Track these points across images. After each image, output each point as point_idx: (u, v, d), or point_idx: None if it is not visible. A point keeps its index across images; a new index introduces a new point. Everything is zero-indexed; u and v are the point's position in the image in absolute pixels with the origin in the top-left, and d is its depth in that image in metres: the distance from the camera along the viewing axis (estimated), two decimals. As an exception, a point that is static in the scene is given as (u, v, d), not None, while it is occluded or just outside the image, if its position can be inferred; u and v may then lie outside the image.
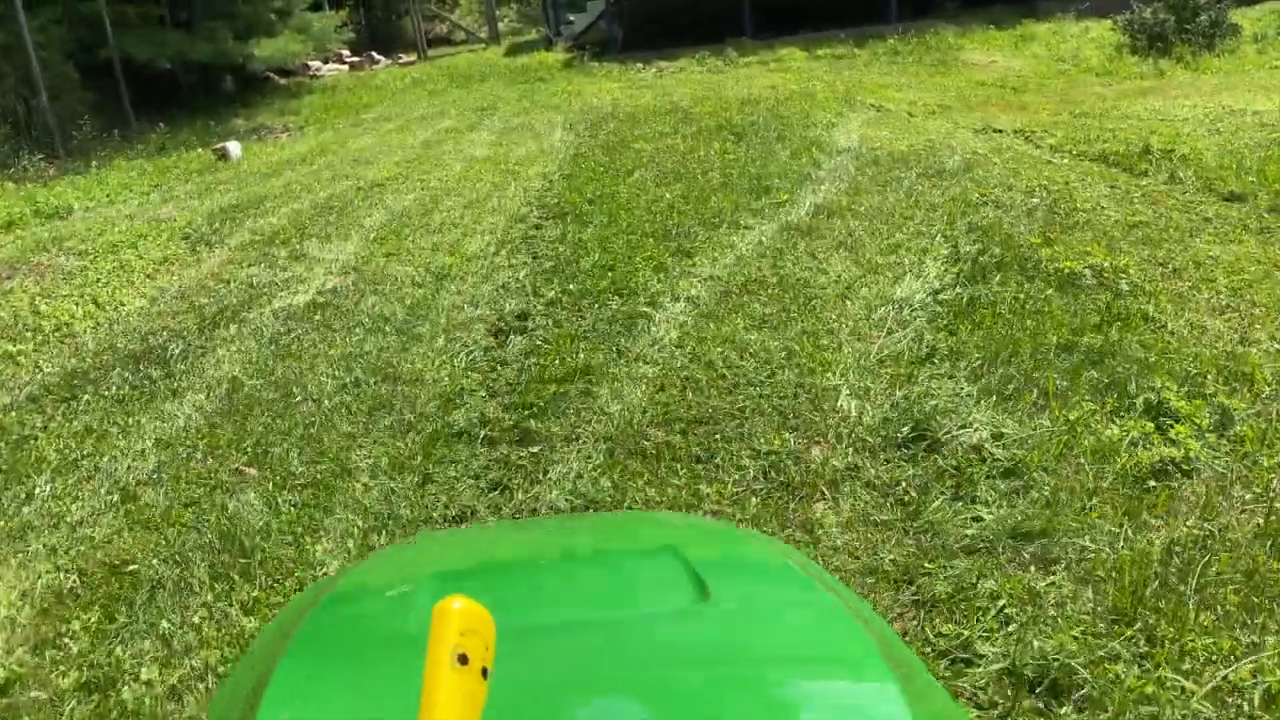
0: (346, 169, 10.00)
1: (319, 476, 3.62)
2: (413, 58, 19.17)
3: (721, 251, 6.11)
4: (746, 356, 4.54)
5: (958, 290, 5.09)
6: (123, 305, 5.86)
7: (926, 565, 2.90)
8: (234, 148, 11.30)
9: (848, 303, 5.15)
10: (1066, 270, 5.18)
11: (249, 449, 3.84)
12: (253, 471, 3.63)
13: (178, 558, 3.15)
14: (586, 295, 5.38)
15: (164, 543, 3.26)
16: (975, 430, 3.61)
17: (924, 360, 4.36)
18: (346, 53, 18.87)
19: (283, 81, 17.65)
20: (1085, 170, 7.59)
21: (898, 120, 10.53)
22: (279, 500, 3.44)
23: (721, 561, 1.27)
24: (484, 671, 0.45)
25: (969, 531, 3.04)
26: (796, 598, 1.16)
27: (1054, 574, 2.84)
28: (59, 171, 11.30)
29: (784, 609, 1.14)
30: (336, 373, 4.54)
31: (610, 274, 5.71)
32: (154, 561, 3.13)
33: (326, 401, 4.20)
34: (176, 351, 4.98)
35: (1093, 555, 2.89)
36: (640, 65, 15.18)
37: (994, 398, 3.87)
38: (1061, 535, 2.98)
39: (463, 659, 0.44)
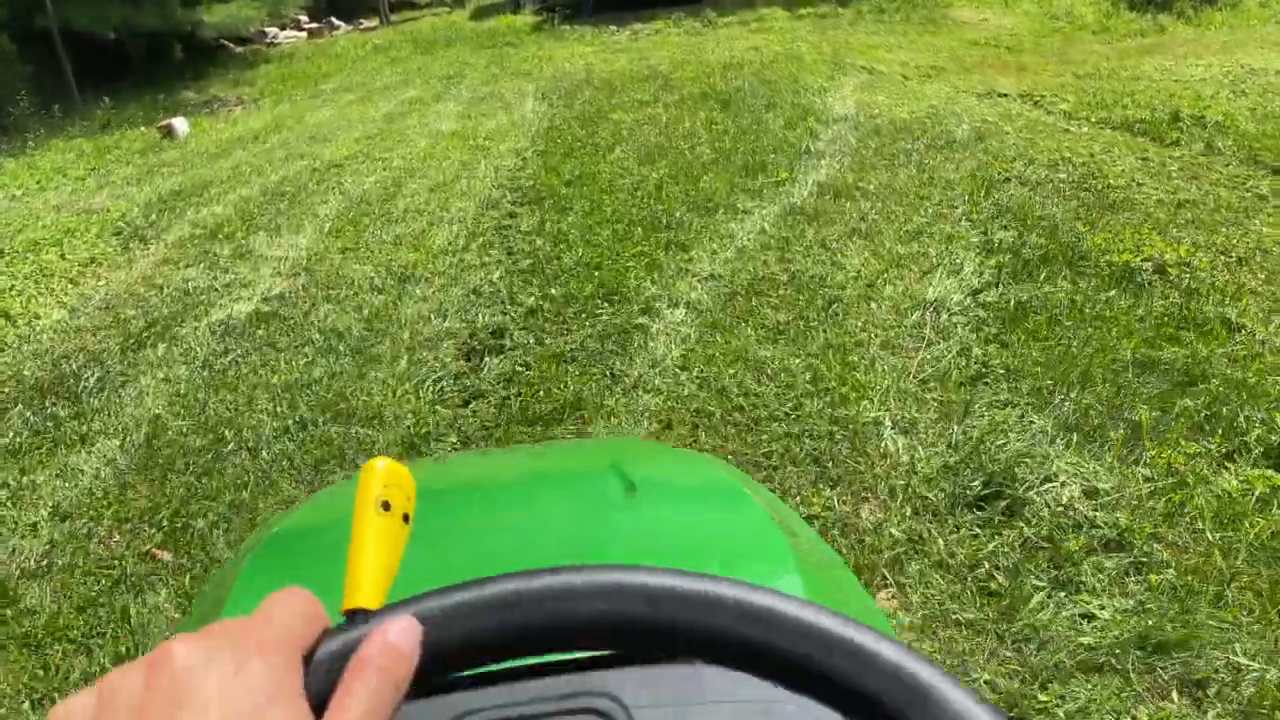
0: (302, 147, 9.10)
1: (253, 555, 2.87)
2: (375, 23, 18.09)
3: (720, 243, 5.34)
4: (764, 380, 3.80)
5: (1001, 290, 4.36)
6: (37, 319, 5.03)
7: (1039, 695, 2.19)
8: (181, 125, 10.35)
9: (872, 305, 4.41)
10: (1122, 264, 4.46)
11: (165, 521, 3.07)
12: (167, 556, 2.86)
13: (56, 695, 2.39)
14: (571, 302, 4.60)
15: (41, 671, 2.49)
16: (1062, 484, 2.89)
17: (975, 381, 3.64)
18: (305, 19, 17.76)
19: (238, 50, 16.57)
20: (1108, 140, 6.86)
21: (892, 84, 9.74)
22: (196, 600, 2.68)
23: (662, 474, 1.31)
24: (405, 517, 0.47)
25: (1084, 639, 2.33)
26: (718, 500, 1.19)
27: (1206, 705, 2.14)
28: (-10, 154, 10.31)
29: (701, 506, 1.17)
30: (279, 409, 3.75)
31: (597, 274, 4.93)
32: (23, 705, 2.37)
33: (264, 452, 3.43)
34: (92, 381, 4.17)
35: (1253, 676, 2.20)
36: (614, 28, 14.26)
37: (1073, 435, 3.16)
38: (1203, 645, 2.28)
39: (385, 505, 0.46)
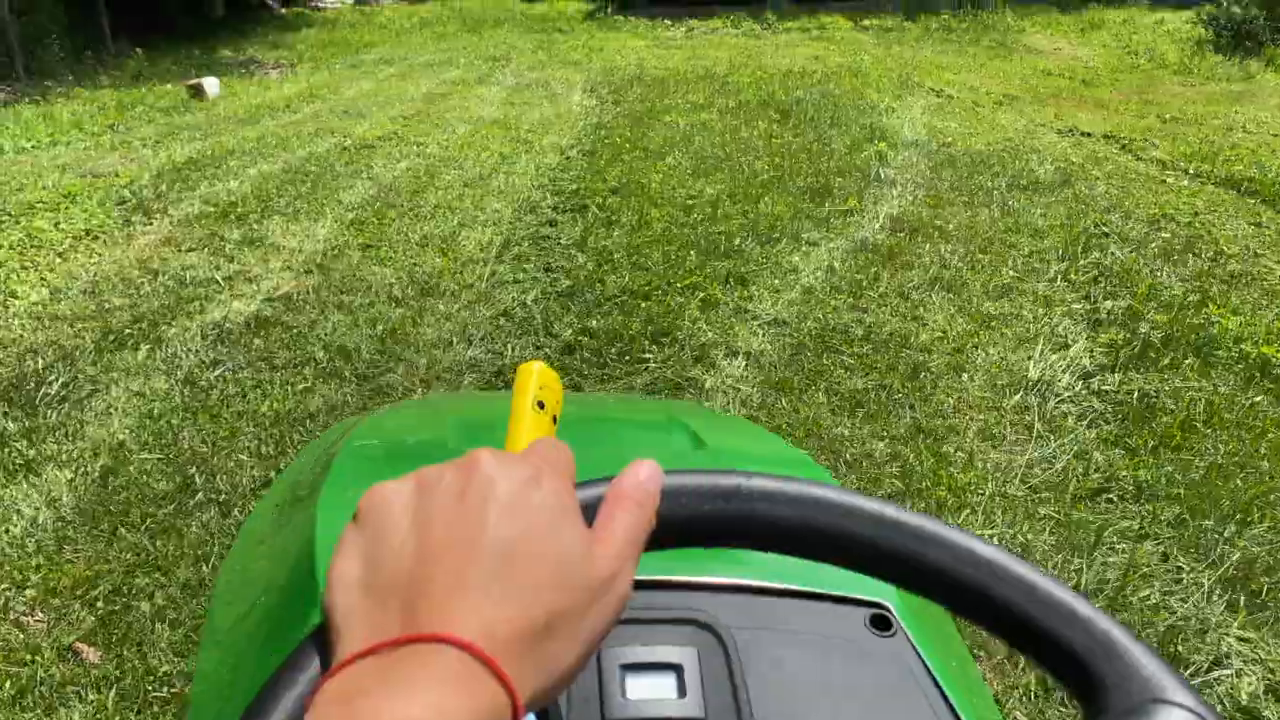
0: (334, 121, 8.46)
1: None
2: (423, -5, 17.47)
3: (783, 279, 4.67)
4: (842, 466, 3.14)
5: (1119, 377, 3.68)
6: (14, 299, 4.40)
7: None
8: (211, 85, 9.73)
9: (964, 377, 3.74)
10: (1260, 358, 3.78)
11: (102, 599, 2.44)
12: (93, 656, 2.23)
13: None
14: (615, 340, 3.95)
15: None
16: (1238, 674, 2.23)
17: (1098, 496, 2.97)
18: (353, -16, 17.16)
19: (282, 11, 15.95)
20: (1212, 198, 6.14)
21: (963, 110, 9.03)
22: (120, 729, 2.04)
23: (727, 436, 1.31)
24: (554, 419, 0.51)
25: None
26: (786, 463, 1.19)
27: None
28: (10, 97, 9.71)
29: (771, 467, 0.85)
30: (263, 449, 3.12)
31: (644, 306, 4.27)
32: None
33: (237, 510, 2.79)
34: (56, 387, 3.54)
35: None
36: (669, 22, 13.56)
37: (1240, 596, 2.49)
38: None
39: (540, 405, 0.50)
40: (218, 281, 4.59)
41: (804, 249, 5.13)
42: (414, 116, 8.68)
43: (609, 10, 14.17)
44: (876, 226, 5.53)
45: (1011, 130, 8.13)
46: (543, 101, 9.47)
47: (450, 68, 11.41)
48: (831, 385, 3.65)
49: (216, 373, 3.65)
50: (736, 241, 5.17)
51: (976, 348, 4.01)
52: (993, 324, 4.24)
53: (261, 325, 4.10)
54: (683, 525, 0.45)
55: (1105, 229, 5.45)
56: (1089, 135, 7.94)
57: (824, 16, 13.38)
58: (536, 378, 0.51)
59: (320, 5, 16.29)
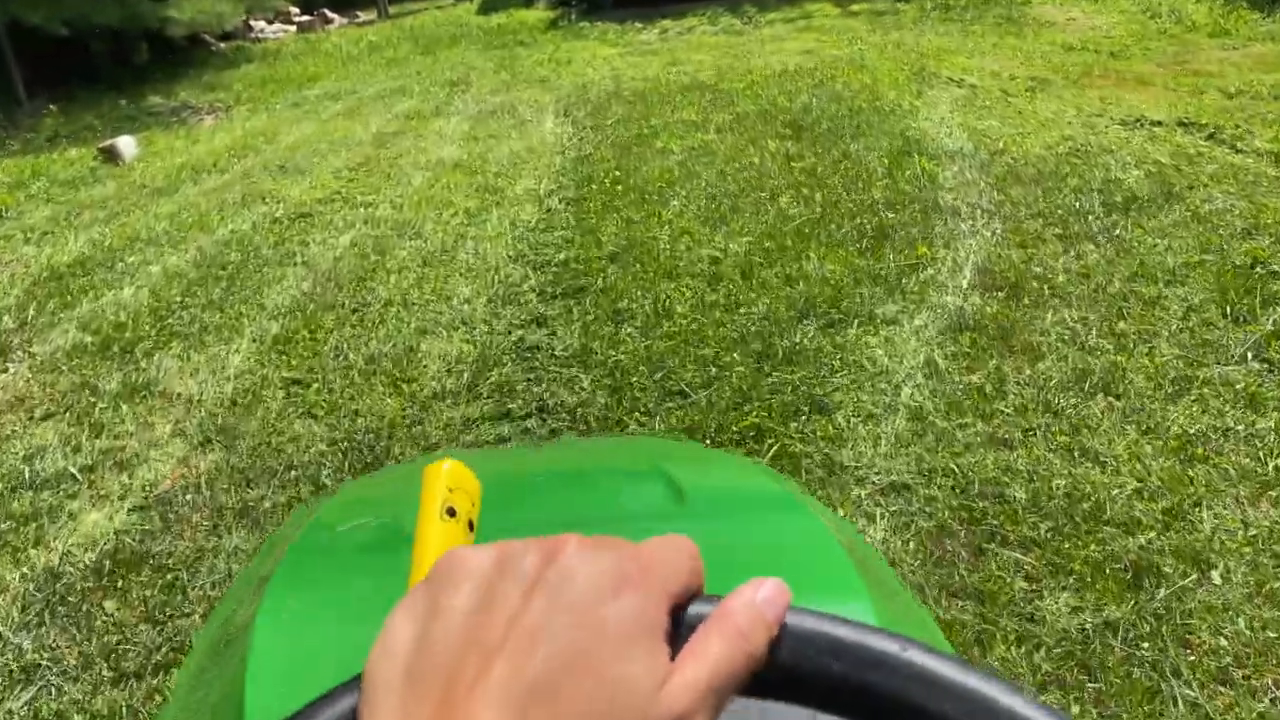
0: (267, 182, 6.95)
1: None
2: (372, 16, 15.83)
3: (874, 394, 3.23)
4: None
5: None
6: None
7: None
8: (126, 145, 8.18)
9: (1214, 575, 2.32)
10: None
11: None
12: None
13: None
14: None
15: None
16: None
17: None
18: (295, 11, 15.52)
19: (221, 46, 14.35)
20: (1369, 200, 4.73)
21: (994, 101, 7.59)
22: None
23: (709, 480, 1.20)
24: (470, 524, 0.43)
25: None
26: (772, 511, 1.06)
27: None
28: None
29: (755, 517, 1.04)
30: None
31: (693, 472, 2.83)
32: None
33: None
34: None
35: None
36: (640, 25, 12.06)
37: None
38: None
39: (451, 512, 0.42)
40: (73, 477, 3.11)
41: (883, 333, 3.69)
42: (361, 166, 7.18)
43: (573, 17, 12.64)
44: (963, 284, 4.10)
45: (1064, 125, 6.69)
46: (510, 132, 7.97)
47: (403, 98, 9.89)
48: (1019, 627, 2.22)
49: (23, 699, 2.17)
50: (791, 331, 3.72)
51: (1198, 505, 2.58)
52: (1196, 454, 2.81)
53: (119, 568, 2.62)
54: (797, 676, 0.35)
55: (1267, 263, 4.03)
56: (1160, 124, 6.51)
57: (808, 4, 11.90)
58: (444, 479, 0.42)
59: (262, 36, 14.68)
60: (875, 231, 4.76)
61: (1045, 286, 4.02)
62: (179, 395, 3.60)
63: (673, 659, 0.33)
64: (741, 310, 3.96)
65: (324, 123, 9.14)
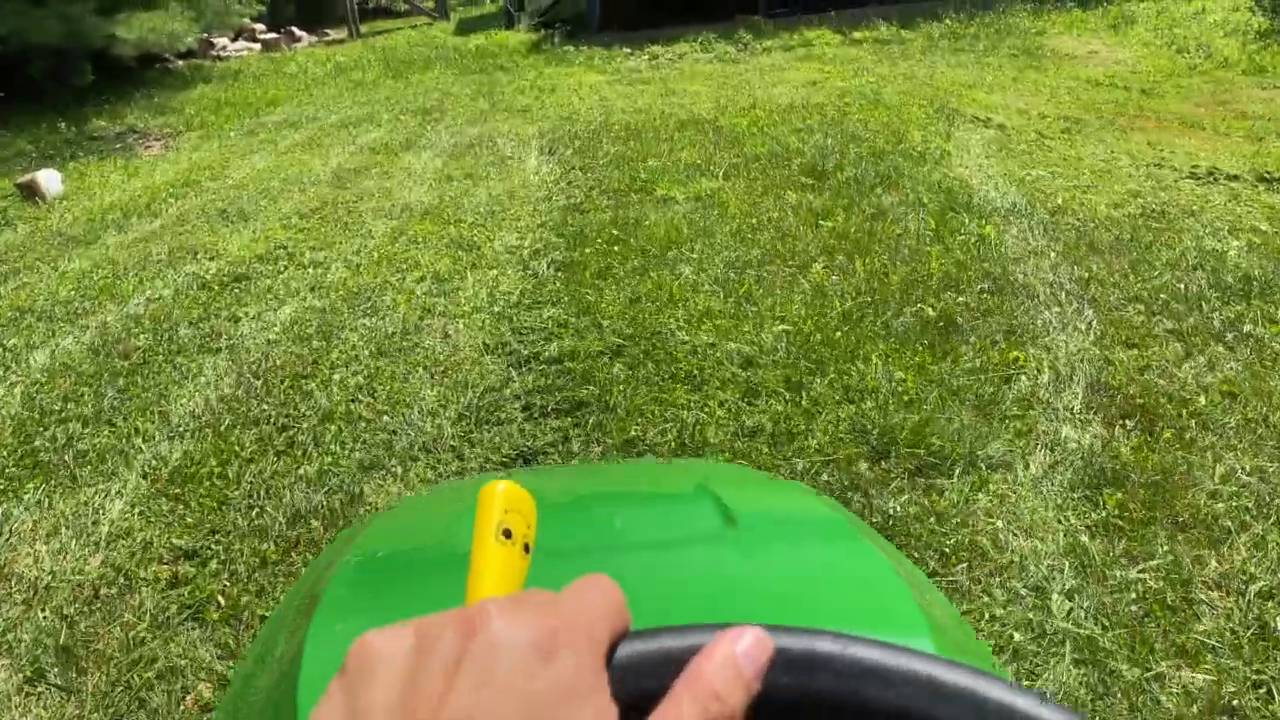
0: (203, 232, 5.86)
1: None
2: (342, 35, 14.72)
3: (1002, 601, 2.22)
4: None
5: None
6: None
7: None
8: (50, 180, 7.04)
9: None
10: None
11: None
12: None
13: None
14: None
15: None
16: None
17: None
18: (261, 28, 14.39)
19: (179, 64, 13.19)
20: None
21: (1031, 144, 6.66)
22: None
23: (760, 505, 1.10)
24: (526, 547, 0.41)
25: None
26: (826, 537, 1.00)
27: None
28: None
29: (809, 544, 0.98)
30: None
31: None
32: None
33: None
34: None
35: None
36: (628, 50, 11.06)
37: None
38: None
39: (506, 533, 0.40)
40: None
41: (993, 486, 2.68)
42: (316, 212, 6.10)
43: (556, 40, 11.62)
44: (1075, 405, 3.10)
45: (1122, 176, 5.75)
46: (489, 172, 6.93)
47: (370, 127, 8.81)
48: None
49: None
50: (870, 484, 2.70)
51: None
52: None
53: None
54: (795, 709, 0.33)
55: None
56: (1236, 179, 5.58)
57: (807, 31, 10.95)
58: (500, 501, 0.40)
59: (223, 55, 13.54)
60: (942, 320, 3.76)
61: (1185, 412, 3.03)
62: (20, 579, 2.52)
63: (619, 711, 0.31)
64: (794, 444, 2.94)
65: (280, 155, 8.04)
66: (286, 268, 5.04)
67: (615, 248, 4.93)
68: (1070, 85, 8.56)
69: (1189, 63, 9.04)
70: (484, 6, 17.04)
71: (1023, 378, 3.31)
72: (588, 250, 4.95)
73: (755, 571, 0.88)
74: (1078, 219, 4.98)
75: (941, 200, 5.34)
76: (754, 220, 5.26)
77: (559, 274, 4.69)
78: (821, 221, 5.13)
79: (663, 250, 4.88)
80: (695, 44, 10.97)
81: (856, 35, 10.80)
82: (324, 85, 11.13)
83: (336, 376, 3.67)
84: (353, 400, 3.48)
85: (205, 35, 12.61)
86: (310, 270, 4.99)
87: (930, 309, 3.87)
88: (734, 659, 0.32)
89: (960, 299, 3.97)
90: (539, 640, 0.31)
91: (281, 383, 3.64)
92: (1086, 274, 4.24)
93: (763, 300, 4.13)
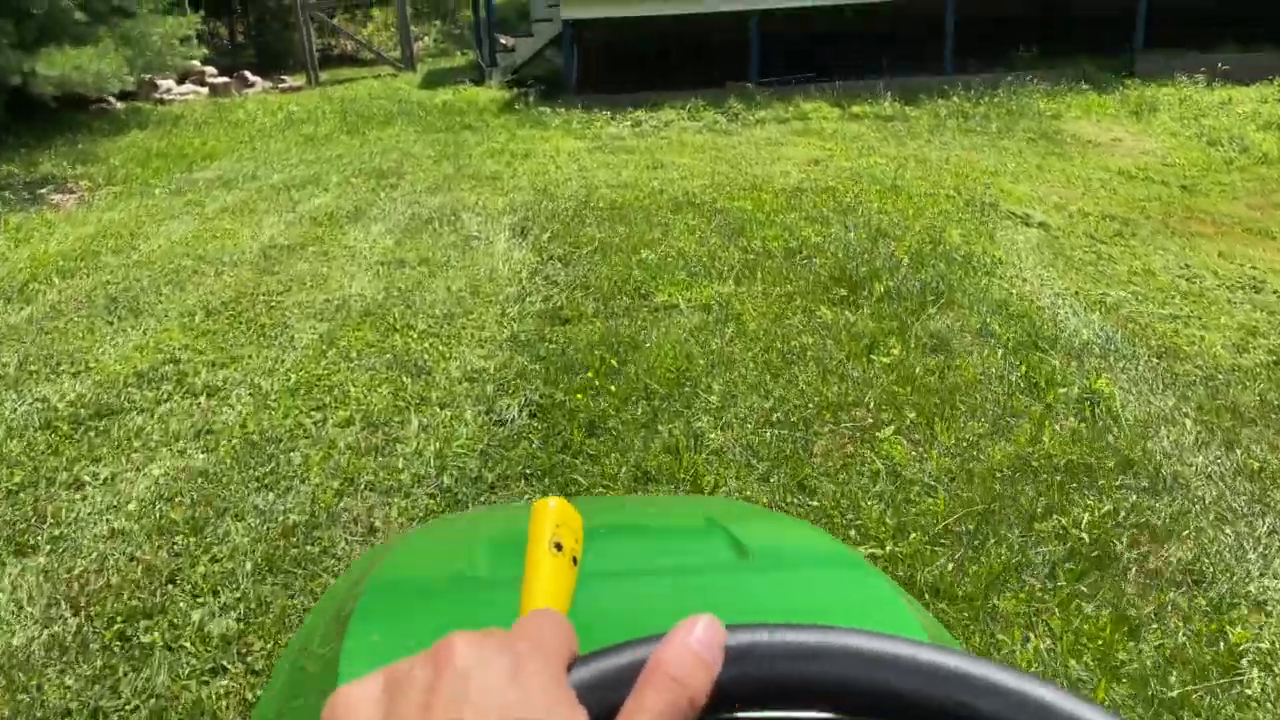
0: (78, 332, 4.49)
1: None
2: (299, 82, 13.43)
3: None
4: None
5: None
6: None
7: None
8: (-92, 248, 5.61)
9: None
10: None
11: None
12: None
13: None
14: None
15: None
16: None
17: None
18: (212, 71, 13.07)
19: (118, 106, 11.80)
20: None
21: (1085, 250, 5.58)
22: None
23: (771, 539, 1.14)
24: (574, 560, 0.42)
25: None
26: (833, 565, 1.04)
27: None
28: None
29: (817, 570, 1.02)
30: None
31: None
32: None
33: None
34: None
35: None
36: (610, 115, 9.92)
37: None
38: None
39: (558, 546, 0.42)
40: None
41: None
42: (229, 308, 4.76)
43: (531, 100, 10.44)
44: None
45: (1220, 303, 4.65)
46: (449, 256, 5.66)
47: (315, 191, 7.50)
48: None
49: None
50: None
51: None
52: None
53: None
54: (757, 690, 0.34)
55: None
56: (1363, 313, 4.50)
57: (802, 102, 9.90)
58: (552, 516, 0.42)
59: (166, 98, 12.17)
60: (1095, 547, 2.54)
61: None
62: None
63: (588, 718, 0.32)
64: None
65: (204, 222, 6.70)
66: (171, 395, 3.70)
67: (609, 383, 3.67)
68: (1101, 177, 7.54)
69: (1224, 156, 8.10)
70: (454, 58, 15.87)
71: (1254, 678, 2.09)
72: (574, 384, 3.68)
73: (765, 598, 0.88)
74: (1196, 367, 3.83)
75: (1017, 331, 4.17)
76: (782, 346, 4.04)
77: (535, 423, 3.42)
78: (872, 355, 3.92)
79: (671, 388, 3.64)
80: (682, 111, 9.86)
81: (856, 109, 9.76)
82: (271, 138, 9.80)
83: (195, 617, 2.33)
84: (211, 671, 2.15)
85: (147, 76, 11.27)
86: (202, 401, 3.65)
87: (1070, 523, 2.65)
88: (689, 645, 0.32)
89: (1104, 505, 2.75)
90: (506, 665, 0.31)
91: (107, 627, 2.31)
92: (1248, 460, 3.06)
93: (818, 487, 2.89)
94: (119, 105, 11.82)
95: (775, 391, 3.61)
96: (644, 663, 0.33)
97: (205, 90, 12.50)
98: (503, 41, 13.73)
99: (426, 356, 4.09)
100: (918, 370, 3.75)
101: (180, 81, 12.67)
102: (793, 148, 8.58)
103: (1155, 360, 3.89)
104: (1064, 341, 4.07)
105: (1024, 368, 3.75)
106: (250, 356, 4.10)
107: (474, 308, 4.75)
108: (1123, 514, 2.72)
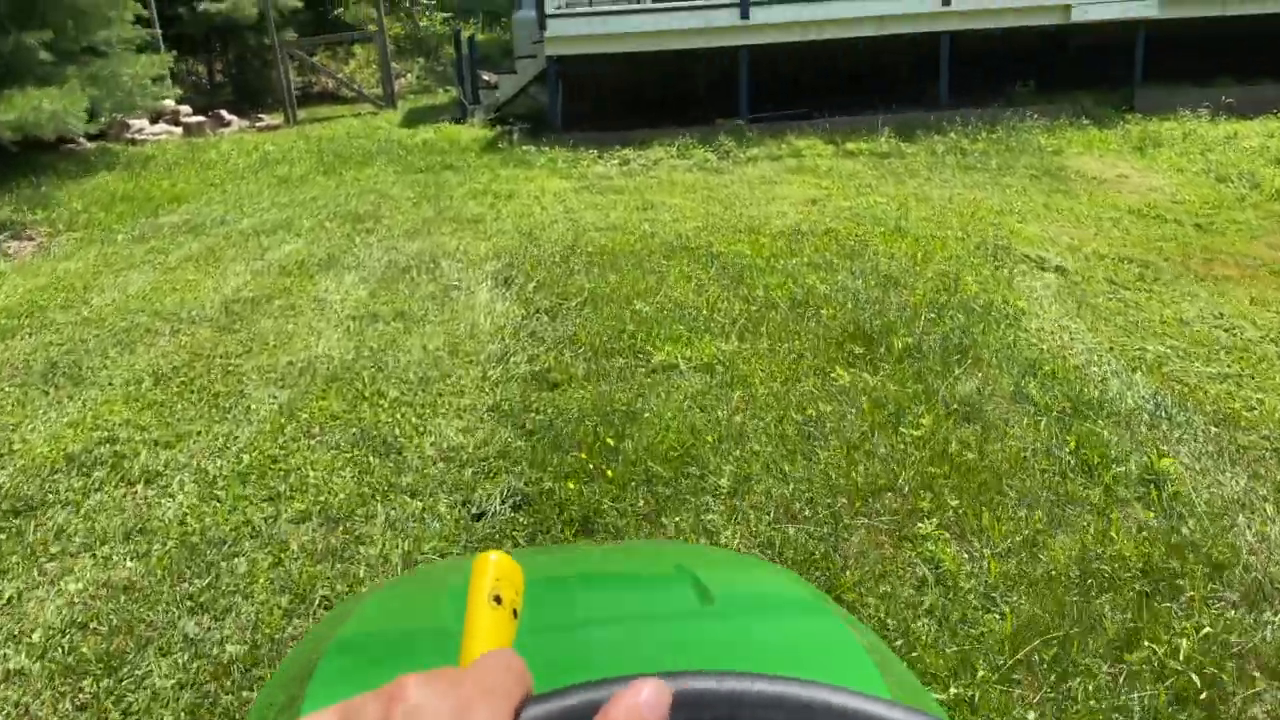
0: (7, 405, 3.99)
1: None
2: (277, 120, 13.00)
3: None
4: None
5: None
6: None
7: None
8: None
9: None
10: None
11: None
12: None
13: None
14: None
15: None
16: None
17: None
18: (187, 109, 12.62)
19: (88, 146, 11.33)
20: None
21: (1109, 297, 5.18)
22: None
23: (736, 584, 1.12)
24: (515, 612, 0.42)
25: None
26: (795, 611, 1.05)
27: None
28: None
29: (780, 616, 1.02)
30: None
31: None
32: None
33: None
34: None
35: None
36: (596, 153, 9.52)
37: None
38: None
39: (497, 599, 0.42)
40: None
41: None
42: (181, 373, 4.27)
43: (514, 138, 10.03)
44: None
45: (1274, 359, 4.23)
46: (427, 309, 5.19)
47: (287, 236, 7.03)
48: None
49: None
50: None
51: None
52: None
53: None
54: None
55: None
56: None
57: (795, 140, 9.53)
58: (493, 569, 0.42)
59: (138, 138, 11.70)
60: (1204, 687, 2.07)
61: None
62: None
63: None
64: None
65: (166, 272, 6.22)
66: (103, 484, 3.20)
67: (605, 465, 3.20)
68: (1111, 215, 7.17)
69: (1235, 193, 7.74)
70: (436, 96, 15.48)
71: None
72: (564, 466, 3.20)
73: (730, 644, 0.88)
74: (1262, 437, 3.39)
75: (1056, 395, 3.73)
76: (798, 415, 3.58)
77: (520, 517, 2.93)
78: (901, 428, 3.46)
79: (675, 470, 3.17)
80: (671, 149, 9.47)
81: (850, 146, 9.39)
82: (244, 179, 9.33)
83: (92, 805, 1.82)
84: None
85: (117, 116, 10.80)
86: (138, 490, 3.15)
87: (1166, 652, 2.18)
88: (637, 708, 0.33)
89: (1204, 627, 2.29)
90: (456, 705, 0.32)
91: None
92: (1349, 557, 2.61)
93: (859, 601, 2.41)
94: (89, 146, 11.35)
95: (794, 473, 3.14)
96: (595, 705, 0.34)
97: (179, 130, 12.04)
98: (485, 78, 13.36)
99: (398, 430, 3.61)
100: (953, 445, 3.30)
101: (154, 121, 12.22)
102: (787, 186, 8.18)
103: (1213, 429, 3.45)
104: (1109, 406, 3.63)
105: (1072, 441, 3.30)
106: (199, 433, 3.60)
107: (452, 369, 4.27)
108: (1224, 636, 2.25)
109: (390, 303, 5.33)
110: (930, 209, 7.24)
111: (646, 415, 3.63)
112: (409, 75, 18.19)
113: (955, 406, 3.65)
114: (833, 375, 3.98)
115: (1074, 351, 4.34)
